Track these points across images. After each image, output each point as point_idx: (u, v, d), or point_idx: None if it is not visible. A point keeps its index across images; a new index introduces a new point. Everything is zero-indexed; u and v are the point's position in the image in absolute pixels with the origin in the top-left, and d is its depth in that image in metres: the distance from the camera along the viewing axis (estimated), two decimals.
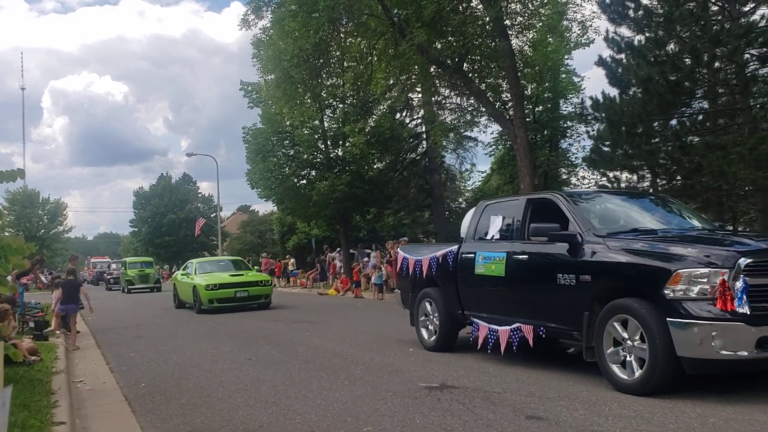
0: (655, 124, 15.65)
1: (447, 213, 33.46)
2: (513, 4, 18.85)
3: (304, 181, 28.86)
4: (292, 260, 33.99)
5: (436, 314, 8.86)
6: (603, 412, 5.29)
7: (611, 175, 17.29)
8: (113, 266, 45.27)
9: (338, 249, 29.40)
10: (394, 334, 10.95)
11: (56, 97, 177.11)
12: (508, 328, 7.39)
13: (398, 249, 10.15)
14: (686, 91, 14.93)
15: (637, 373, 5.79)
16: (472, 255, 8.11)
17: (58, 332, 12.54)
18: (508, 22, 18.48)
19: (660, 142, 15.78)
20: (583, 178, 24.99)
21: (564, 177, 27.46)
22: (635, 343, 5.83)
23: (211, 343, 10.94)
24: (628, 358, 5.90)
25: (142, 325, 14.77)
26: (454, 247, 8.57)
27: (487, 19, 17.19)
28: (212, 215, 59.06)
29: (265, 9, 19.86)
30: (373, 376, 7.23)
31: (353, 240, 31.01)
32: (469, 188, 36.57)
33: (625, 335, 5.91)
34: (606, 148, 16.74)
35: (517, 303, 7.46)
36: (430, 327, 9.03)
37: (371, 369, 7.71)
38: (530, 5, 19.00)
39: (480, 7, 18.28)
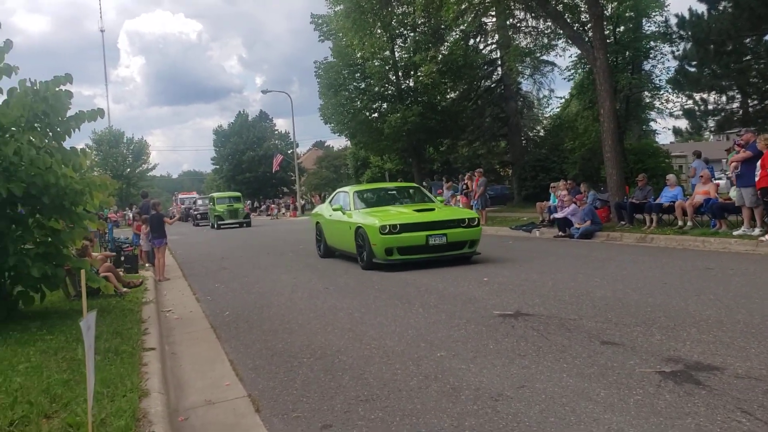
0: (747, 40, 14.72)
1: (524, 142, 32.72)
2: None
3: (376, 114, 28.78)
4: None
5: None
6: (681, 338, 5.18)
7: (698, 97, 16.51)
8: (199, 202, 46.35)
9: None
10: (466, 264, 11.00)
11: (132, 38, 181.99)
12: None
13: None
14: None
15: None
16: None
17: (147, 265, 13.26)
18: None
19: (752, 60, 14.90)
20: (668, 101, 23.68)
21: (647, 101, 26.13)
22: None
23: (291, 274, 11.33)
24: None
25: (226, 258, 15.38)
26: None
27: None
28: (289, 152, 60.02)
29: None
30: (448, 305, 7.31)
31: (427, 172, 30.89)
32: (547, 115, 35.46)
33: None
34: (692, 69, 16.00)
35: None
36: None
37: (445, 298, 7.79)
38: None
39: None
